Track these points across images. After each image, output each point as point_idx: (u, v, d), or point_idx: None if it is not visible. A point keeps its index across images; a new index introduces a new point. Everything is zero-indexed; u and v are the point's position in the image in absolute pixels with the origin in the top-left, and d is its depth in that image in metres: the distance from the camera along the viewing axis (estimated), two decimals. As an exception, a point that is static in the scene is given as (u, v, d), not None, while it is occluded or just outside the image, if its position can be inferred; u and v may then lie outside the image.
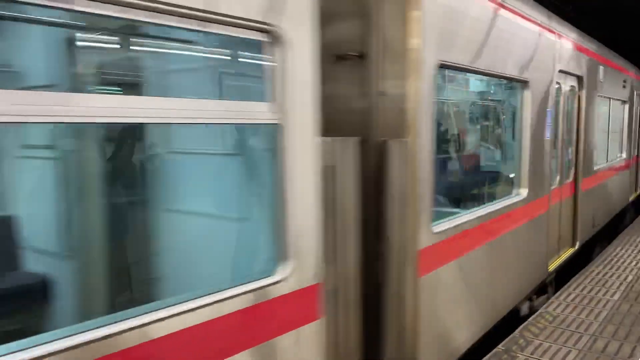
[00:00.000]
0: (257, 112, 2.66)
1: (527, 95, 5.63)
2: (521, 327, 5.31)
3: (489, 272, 4.86)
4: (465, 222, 4.38)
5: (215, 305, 2.41)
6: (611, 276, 6.99)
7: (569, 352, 4.69)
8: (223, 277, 3.01)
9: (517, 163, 5.63)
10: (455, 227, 4.20)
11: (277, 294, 2.74)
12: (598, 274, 7.11)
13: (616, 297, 6.16)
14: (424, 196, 3.74)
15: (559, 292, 6.37)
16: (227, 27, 2.46)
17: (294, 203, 2.78)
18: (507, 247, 5.22)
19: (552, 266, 6.72)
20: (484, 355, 4.69)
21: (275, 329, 2.75)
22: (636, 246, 8.68)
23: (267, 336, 2.70)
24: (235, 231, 3.30)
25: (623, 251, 8.35)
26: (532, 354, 4.68)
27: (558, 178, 6.95)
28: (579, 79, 7.61)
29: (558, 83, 6.68)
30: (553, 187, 6.65)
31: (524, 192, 5.56)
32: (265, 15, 2.58)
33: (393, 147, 3.53)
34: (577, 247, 7.76)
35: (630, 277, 6.92)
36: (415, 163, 3.61)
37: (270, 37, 2.66)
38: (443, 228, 4.02)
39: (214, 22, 2.39)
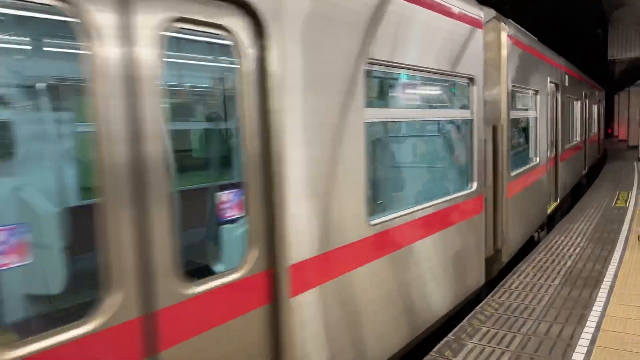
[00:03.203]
0: (465, 114, 5.77)
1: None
2: (469, 315, 5.47)
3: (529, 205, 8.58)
4: (521, 171, 8.01)
5: (451, 200, 5.33)
6: (552, 262, 7.31)
7: (514, 337, 4.86)
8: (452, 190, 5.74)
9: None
10: (518, 173, 7.82)
11: (471, 197, 5.78)
12: (540, 261, 7.41)
13: (557, 282, 6.45)
14: (507, 155, 7.16)
15: (503, 280, 6.60)
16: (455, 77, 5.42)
17: (476, 156, 5.86)
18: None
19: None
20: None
21: (469, 213, 5.75)
22: (574, 233, 9.11)
23: (467, 215, 5.72)
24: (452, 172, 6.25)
25: (562, 238, 8.75)
26: (480, 340, 4.83)
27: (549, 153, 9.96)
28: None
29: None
30: (552, 155, 10.08)
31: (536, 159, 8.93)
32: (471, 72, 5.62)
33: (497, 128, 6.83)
34: (558, 200, 11.16)
35: (569, 263, 7.25)
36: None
37: (469, 80, 5.72)
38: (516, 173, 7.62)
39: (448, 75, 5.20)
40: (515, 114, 7.79)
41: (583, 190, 15.08)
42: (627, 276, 6.54)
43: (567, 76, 12.52)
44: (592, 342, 4.69)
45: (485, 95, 6.39)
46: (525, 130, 9.01)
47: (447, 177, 6.28)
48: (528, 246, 8.56)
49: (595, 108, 20.49)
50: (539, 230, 9.56)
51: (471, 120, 5.82)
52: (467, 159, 5.91)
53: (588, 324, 5.11)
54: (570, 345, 4.64)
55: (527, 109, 8.81)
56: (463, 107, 5.87)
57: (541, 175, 9.59)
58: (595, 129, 20.81)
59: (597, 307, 5.52)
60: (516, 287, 6.29)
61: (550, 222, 10.54)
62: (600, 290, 6.07)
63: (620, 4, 17.63)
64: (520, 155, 8.56)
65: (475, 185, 5.86)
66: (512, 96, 7.43)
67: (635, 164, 20.71)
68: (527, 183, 8.39)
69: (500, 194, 6.93)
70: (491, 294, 6.12)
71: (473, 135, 5.84)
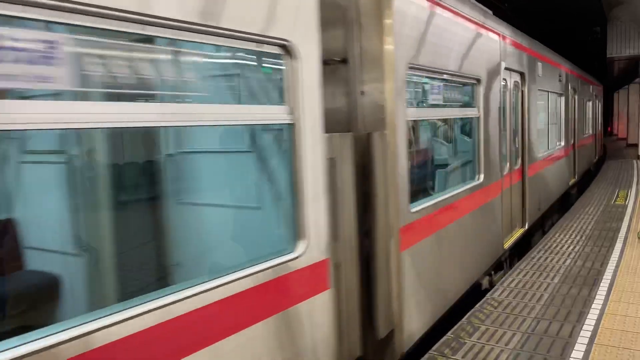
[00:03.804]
0: (274, 114, 3.06)
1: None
2: (469, 314, 5.46)
3: (462, 243, 5.71)
4: (439, 202, 5.10)
5: (245, 279, 2.76)
6: (551, 261, 7.30)
7: (513, 335, 4.86)
8: (247, 257, 3.18)
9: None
10: (431, 206, 4.87)
11: (295, 268, 3.12)
12: (539, 259, 7.41)
13: (556, 280, 6.44)
14: (403, 180, 4.23)
15: (503, 279, 6.59)
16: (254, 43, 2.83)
17: (307, 191, 3.18)
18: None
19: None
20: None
21: (292, 298, 3.13)
22: (573, 232, 9.11)
23: (287, 304, 3.08)
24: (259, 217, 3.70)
25: (561, 237, 8.75)
26: (479, 339, 4.82)
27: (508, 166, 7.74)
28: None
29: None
30: (515, 168, 7.91)
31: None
32: (282, 33, 2.95)
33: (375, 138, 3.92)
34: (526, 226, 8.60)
35: (568, 261, 7.25)
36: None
37: (285, 52, 3.05)
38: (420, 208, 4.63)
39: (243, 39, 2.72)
40: (422, 114, 5.23)
41: (572, 200, 13.54)
42: (626, 274, 6.54)
43: (540, 64, 9.56)
44: (591, 340, 4.69)
45: (362, 86, 4.06)
46: (458, 138, 6.40)
47: (227, 240, 3.67)
48: (475, 296, 6.13)
49: (590, 105, 18.82)
50: (492, 273, 6.89)
51: (291, 126, 3.14)
52: (286, 199, 3.31)
53: (587, 321, 5.10)
54: (569, 343, 4.64)
55: (456, 106, 5.99)
56: (273, 102, 3.34)
57: (490, 198, 6.64)
58: (590, 129, 18.75)
59: (597, 305, 5.52)
60: (515, 286, 6.29)
61: (520, 253, 8.28)
62: (600, 288, 6.07)
63: (618, 1, 17.64)
64: (442, 177, 5.87)
65: (303, 246, 3.20)
66: (414, 86, 4.99)
67: (635, 162, 20.71)
68: (455, 216, 5.52)
69: (383, 248, 4.01)
70: (490, 292, 6.12)
71: (296, 153, 3.14)
